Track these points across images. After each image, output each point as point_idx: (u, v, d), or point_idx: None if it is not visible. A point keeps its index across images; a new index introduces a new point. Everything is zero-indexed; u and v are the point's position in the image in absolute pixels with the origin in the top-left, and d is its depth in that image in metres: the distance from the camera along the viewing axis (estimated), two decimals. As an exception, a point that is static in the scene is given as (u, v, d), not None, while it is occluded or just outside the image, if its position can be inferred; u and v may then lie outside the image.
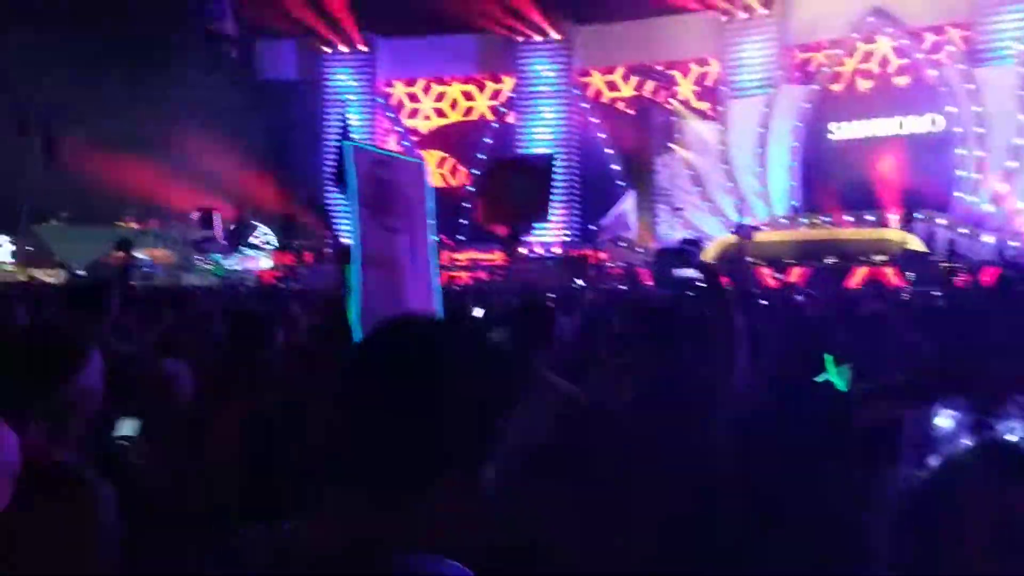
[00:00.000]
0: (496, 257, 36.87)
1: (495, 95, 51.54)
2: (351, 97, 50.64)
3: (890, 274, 29.58)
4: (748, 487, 3.02)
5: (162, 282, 33.38)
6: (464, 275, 35.97)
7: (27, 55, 33.22)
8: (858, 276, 30.20)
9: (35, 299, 8.16)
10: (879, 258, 32.05)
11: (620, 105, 48.78)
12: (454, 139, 51.14)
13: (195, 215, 41.25)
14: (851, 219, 38.23)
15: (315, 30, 50.46)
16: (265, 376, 4.27)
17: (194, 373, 3.67)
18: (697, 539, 2.89)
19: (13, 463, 1.51)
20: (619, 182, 44.98)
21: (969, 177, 37.10)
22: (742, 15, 44.01)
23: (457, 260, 39.66)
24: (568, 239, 45.98)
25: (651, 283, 25.01)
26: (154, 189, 40.49)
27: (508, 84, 50.66)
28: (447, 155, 50.64)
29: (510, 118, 50.43)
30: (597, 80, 49.25)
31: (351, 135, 30.05)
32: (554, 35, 48.80)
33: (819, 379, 3.38)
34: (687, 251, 9.93)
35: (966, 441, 1.62)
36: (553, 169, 34.73)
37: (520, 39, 49.26)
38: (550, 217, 34.97)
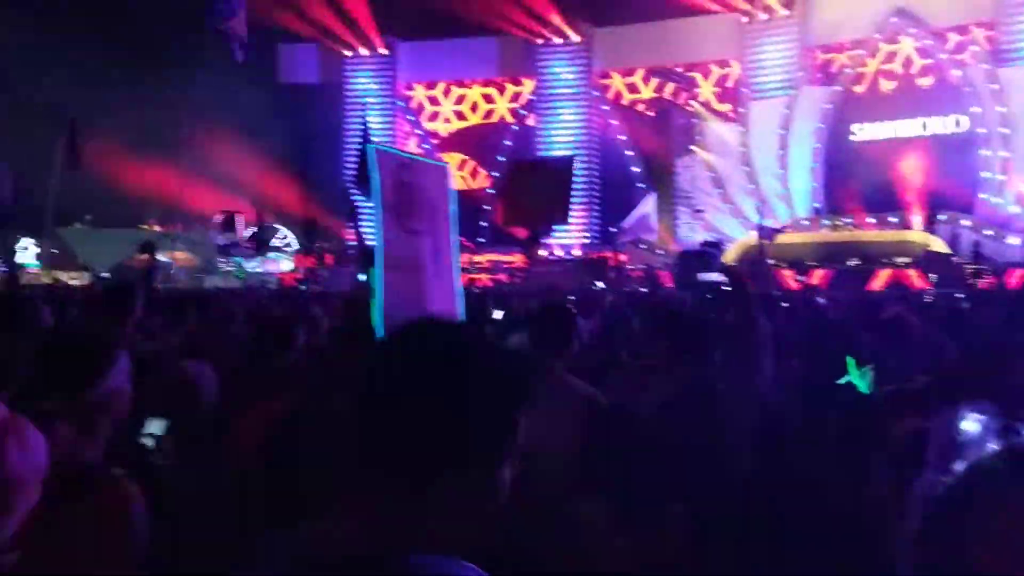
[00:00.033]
0: (516, 259, 36.87)
1: (515, 98, 51.60)
2: (371, 100, 50.83)
3: (913, 276, 29.32)
4: (773, 490, 3.01)
5: (184, 284, 33.62)
6: (484, 277, 36.02)
7: (53, 59, 33.61)
8: (881, 278, 29.95)
9: (60, 301, 8.24)
10: (902, 260, 31.77)
11: (640, 107, 48.70)
12: (474, 142, 51.23)
13: (218, 218, 41.54)
14: (873, 221, 37.95)
15: (336, 34, 50.74)
16: (287, 378, 4.29)
17: (217, 375, 3.69)
18: (722, 541, 2.88)
19: (41, 465, 1.52)
20: (639, 184, 44.87)
21: (994, 178, 36.74)
22: (762, 16, 43.82)
23: (477, 262, 39.69)
24: (588, 241, 45.92)
25: (671, 286, 24.92)
26: (176, 192, 40.83)
27: (528, 87, 50.70)
28: (467, 158, 50.73)
29: (530, 120, 50.46)
30: (617, 82, 49.20)
31: (371, 138, 30.16)
32: (574, 37, 48.79)
33: (842, 382, 3.36)
34: (709, 254, 9.88)
35: (993, 445, 1.61)
36: (573, 171, 34.69)
37: (540, 42, 49.30)
38: (570, 219, 34.93)
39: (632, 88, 48.94)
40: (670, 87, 47.64)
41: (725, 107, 45.58)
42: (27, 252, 42.44)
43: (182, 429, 2.97)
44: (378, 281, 3.52)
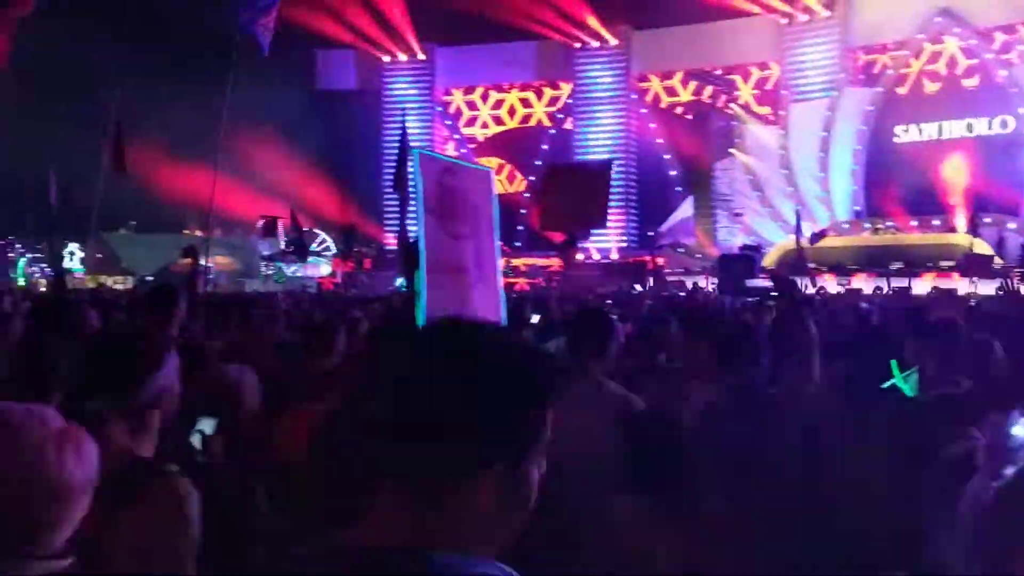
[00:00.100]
0: (553, 263, 36.82)
1: (552, 101, 51.63)
2: (409, 105, 51.14)
3: (956, 279, 28.81)
4: (820, 493, 2.98)
5: (225, 289, 34.04)
6: (521, 281, 36.04)
7: (99, 66, 34.27)
8: (925, 282, 29.47)
9: (105, 305, 8.39)
10: (946, 264, 31.24)
11: (678, 110, 48.49)
12: (511, 146, 51.34)
13: (260, 223, 42.05)
14: (916, 224, 37.40)
15: (374, 40, 51.16)
16: (329, 381, 4.33)
17: (260, 378, 3.72)
18: (768, 542, 2.86)
19: (95, 472, 1.55)
20: (677, 188, 44.65)
21: (1042, 180, 36.08)
22: (803, 17, 43.41)
23: (514, 266, 39.74)
24: (625, 245, 45.77)
25: (709, 289, 24.76)
26: (217, 197, 41.28)
27: (566, 90, 50.71)
28: (505, 162, 50.83)
29: (568, 124, 50.45)
30: (655, 85, 49.03)
31: (410, 143, 30.36)
32: (611, 40, 48.71)
33: (886, 386, 3.31)
34: (751, 258, 9.80)
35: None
36: (611, 175, 34.55)
37: (577, 45, 49.28)
38: (607, 223, 34.82)
39: (670, 91, 48.74)
40: (709, 90, 47.38)
41: (764, 110, 45.22)
42: (73, 257, 43.29)
43: (225, 433, 3.00)
44: (422, 284, 3.53)
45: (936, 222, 36.87)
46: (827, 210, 40.84)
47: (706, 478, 2.81)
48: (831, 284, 29.29)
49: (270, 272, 42.46)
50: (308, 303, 13.59)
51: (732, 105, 45.75)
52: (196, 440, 2.77)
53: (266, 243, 41.82)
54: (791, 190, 41.62)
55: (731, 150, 43.87)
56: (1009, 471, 1.47)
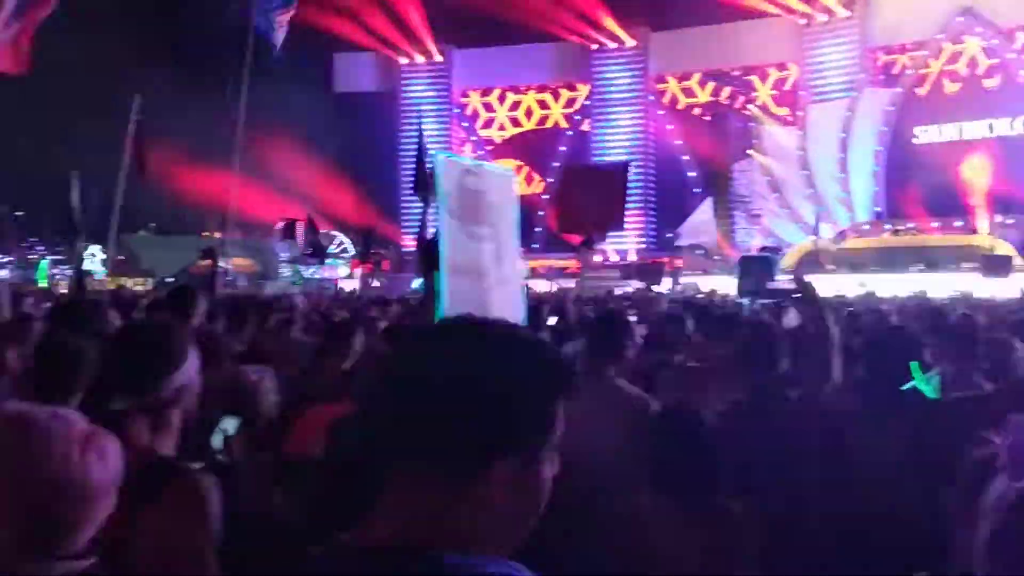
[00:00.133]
0: (570, 264, 36.84)
1: (570, 103, 51.61)
2: (427, 107, 51.27)
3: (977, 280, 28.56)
4: (842, 494, 2.96)
5: (244, 290, 34.24)
6: (538, 283, 36.02)
7: (121, 69, 34.61)
8: (946, 284, 29.24)
9: (125, 306, 8.45)
10: (968, 265, 30.99)
11: (696, 111, 48.37)
12: (529, 147, 51.37)
13: (279, 225, 42.26)
14: (937, 225, 37.12)
15: (391, 42, 51.34)
16: (347, 380, 4.35)
17: (279, 379, 3.74)
18: (790, 544, 2.85)
19: (118, 473, 1.57)
20: (695, 189, 44.52)
21: (1064, 180, 35.72)
22: (822, 18, 43.20)
23: (532, 268, 39.75)
24: (643, 246, 45.67)
25: (726, 292, 24.66)
26: (237, 200, 41.56)
27: (583, 92, 50.69)
28: (522, 163, 50.85)
29: (585, 126, 50.43)
30: (673, 86, 48.91)
31: (427, 145, 30.48)
32: (629, 42, 48.64)
33: (907, 387, 3.29)
34: (771, 259, 9.73)
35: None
36: (628, 176, 34.51)
37: (595, 47, 49.25)
38: (625, 225, 34.77)
39: (688, 92, 48.62)
40: (727, 91, 47.24)
41: (783, 110, 45.04)
42: (94, 259, 43.65)
43: (244, 432, 3.02)
44: (443, 286, 3.53)
45: (958, 223, 36.58)
46: (847, 211, 40.61)
47: (728, 478, 2.80)
48: (851, 285, 29.12)
49: (288, 274, 42.66)
50: (327, 304, 13.63)
51: (750, 106, 45.60)
52: (218, 440, 2.78)
53: (285, 245, 42.03)
54: (810, 191, 41.42)
55: (749, 151, 43.71)
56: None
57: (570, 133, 50.75)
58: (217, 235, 43.73)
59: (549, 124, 52.15)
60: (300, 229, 34.03)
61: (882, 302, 14.18)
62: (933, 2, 39.61)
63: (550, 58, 50.49)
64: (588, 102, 50.13)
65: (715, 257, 39.37)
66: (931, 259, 32.45)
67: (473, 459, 1.16)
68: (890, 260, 33.10)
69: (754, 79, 46.46)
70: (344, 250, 48.61)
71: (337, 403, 3.75)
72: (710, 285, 27.36)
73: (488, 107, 53.27)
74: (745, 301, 9.50)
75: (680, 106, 48.81)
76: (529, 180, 51.19)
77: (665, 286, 25.77)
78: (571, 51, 49.56)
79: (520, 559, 1.21)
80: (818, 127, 41.86)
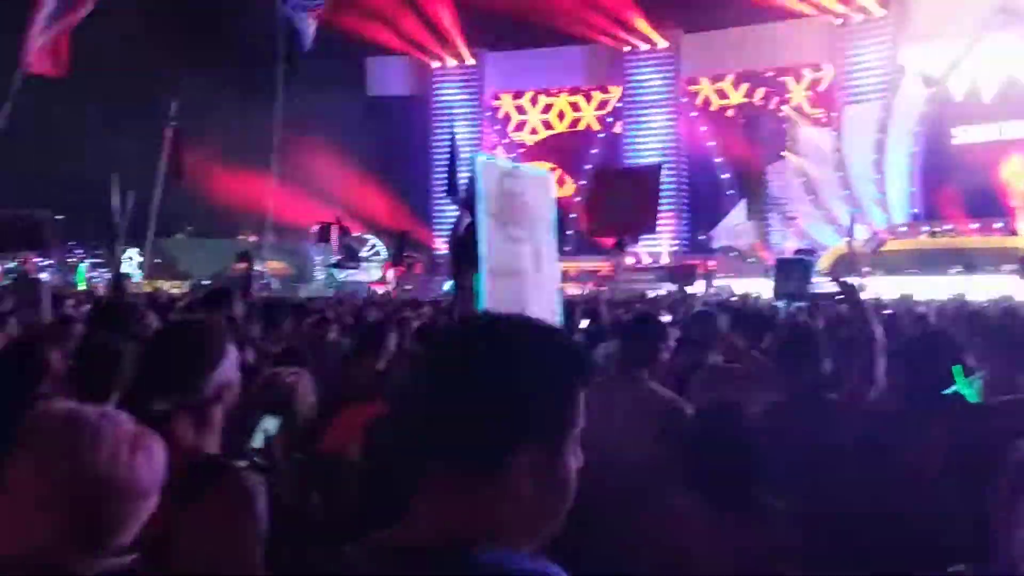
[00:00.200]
0: (603, 267, 36.74)
1: (602, 105, 51.50)
2: (459, 111, 51.41)
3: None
4: (881, 498, 2.93)
5: (279, 293, 34.56)
6: (571, 285, 35.95)
7: (158, 72, 35.15)
8: (985, 287, 28.78)
9: (162, 308, 8.57)
10: (1008, 268, 30.47)
11: (729, 113, 48.04)
12: (561, 150, 51.30)
13: (314, 229, 42.58)
14: (976, 227, 36.56)
15: (424, 46, 51.56)
16: (382, 381, 4.38)
17: (316, 380, 3.77)
18: (831, 546, 2.82)
19: (162, 472, 1.59)
20: (729, 191, 44.22)
21: (1107, 180, 35.05)
22: (857, 17, 42.73)
23: (564, 270, 39.70)
24: (676, 249, 45.45)
25: (760, 293, 24.48)
26: (271, 203, 41.99)
27: (615, 94, 50.55)
28: (554, 166, 50.78)
29: (617, 128, 50.29)
30: (706, 88, 48.63)
31: (459, 148, 30.59)
32: (661, 43, 48.44)
33: (949, 391, 3.24)
34: (809, 263, 9.63)
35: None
36: (660, 178, 34.38)
37: (627, 49, 49.11)
38: (658, 227, 34.65)
39: (721, 94, 48.31)
40: (760, 92, 46.87)
41: (817, 111, 44.61)
42: (130, 262, 44.27)
43: (282, 434, 3.05)
44: (482, 287, 3.56)
45: (997, 225, 36.00)
46: (883, 212, 40.12)
47: (767, 478, 2.78)
48: (888, 288, 28.77)
49: (323, 277, 43.00)
50: (361, 306, 13.72)
51: (784, 107, 45.20)
52: (259, 440, 2.80)
53: (319, 248, 42.37)
54: (846, 193, 40.97)
55: (783, 153, 43.32)
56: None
57: (602, 135, 50.65)
58: (252, 238, 44.21)
59: (581, 127, 52.08)
60: (335, 233, 34.29)
61: (919, 304, 13.98)
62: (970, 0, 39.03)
63: (582, 60, 50.42)
64: (620, 104, 49.99)
65: (749, 260, 39.07)
66: (970, 261, 31.96)
67: (499, 449, 1.17)
68: (927, 262, 32.65)
69: (788, 80, 46.06)
70: (376, 253, 48.86)
71: (371, 403, 3.78)
72: (744, 288, 27.17)
73: (520, 110, 53.31)
74: (781, 304, 9.43)
75: (713, 108, 48.51)
76: (561, 183, 51.12)
77: (698, 289, 25.63)
78: (603, 53, 49.46)
79: (554, 558, 1.21)
80: (853, 128, 41.41)
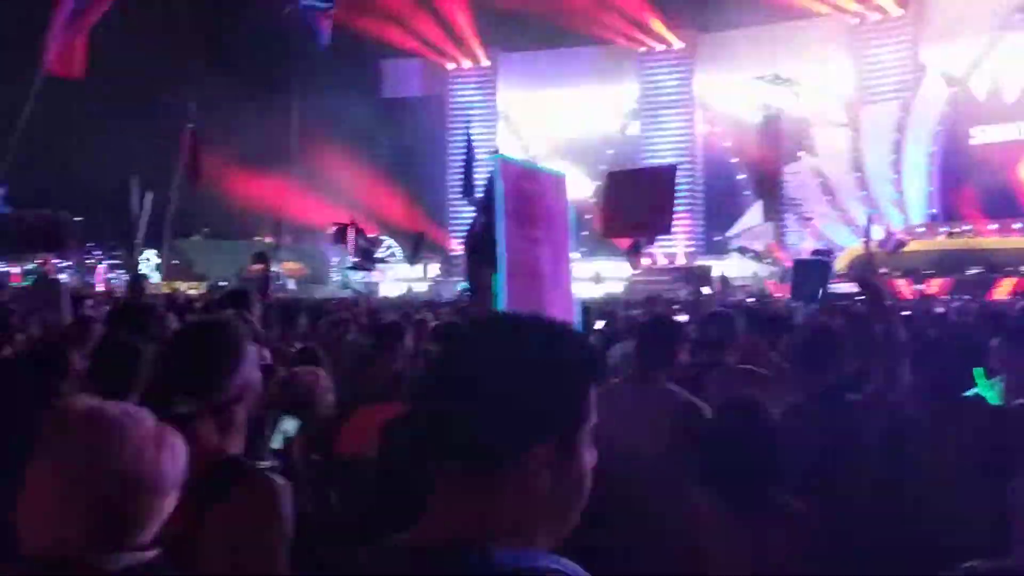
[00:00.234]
0: (618, 268, 36.65)
1: (617, 106, 51.39)
2: (474, 112, 51.43)
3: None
4: (901, 500, 2.92)
5: (295, 294, 34.69)
6: (586, 286, 35.91)
7: (175, 76, 35.33)
8: (1004, 288, 28.54)
9: (180, 310, 8.62)
10: (1027, 268, 30.26)
11: (745, 113, 47.86)
12: (576, 151, 51.21)
13: (331, 230, 42.73)
14: (995, 227, 36.28)
15: (439, 47, 51.62)
16: (399, 381, 4.39)
17: (333, 380, 3.79)
18: (850, 546, 2.81)
19: (182, 474, 1.60)
20: (744, 192, 44.04)
21: None
22: (875, 17, 42.48)
23: (579, 271, 39.66)
24: (692, 250, 45.31)
25: (779, 295, 24.37)
26: (288, 205, 42.25)
27: (631, 94, 50.45)
28: (569, 167, 50.77)
29: (633, 129, 50.19)
30: (722, 88, 48.46)
31: (475, 149, 30.61)
32: (677, 44, 48.30)
33: (970, 394, 3.22)
34: (827, 264, 9.61)
35: None
36: (675, 179, 34.30)
37: (642, 49, 49.00)
38: (673, 228, 34.58)
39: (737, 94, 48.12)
40: (776, 92, 46.64)
41: (834, 111, 44.35)
42: (148, 263, 44.56)
43: (301, 433, 3.06)
44: (500, 288, 3.57)
45: (1016, 225, 35.71)
46: (901, 213, 39.87)
47: (786, 477, 2.78)
48: (906, 289, 28.59)
49: (339, 278, 43.14)
50: (377, 307, 13.76)
51: (800, 108, 44.96)
52: (279, 440, 2.81)
53: (336, 250, 42.55)
54: (863, 193, 40.74)
55: (800, 153, 43.11)
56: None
57: (618, 136, 50.54)
58: (269, 239, 44.37)
59: (596, 127, 51.98)
60: (351, 234, 34.48)
61: (937, 304, 13.89)
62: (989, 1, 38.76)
63: (597, 61, 50.30)
64: (636, 105, 49.88)
65: (766, 260, 38.93)
66: (988, 262, 31.73)
67: (514, 447, 1.18)
68: (946, 263, 32.43)
69: (805, 80, 45.81)
70: (392, 254, 48.97)
71: (388, 404, 3.79)
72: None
73: (535, 110, 53.28)
74: (799, 304, 9.39)
75: (729, 108, 48.32)
76: (576, 184, 51.11)
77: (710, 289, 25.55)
78: (619, 54, 49.35)
79: (571, 557, 1.22)
80: (870, 128, 41.19)
